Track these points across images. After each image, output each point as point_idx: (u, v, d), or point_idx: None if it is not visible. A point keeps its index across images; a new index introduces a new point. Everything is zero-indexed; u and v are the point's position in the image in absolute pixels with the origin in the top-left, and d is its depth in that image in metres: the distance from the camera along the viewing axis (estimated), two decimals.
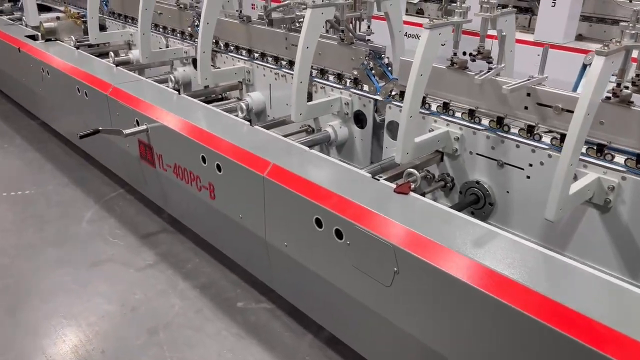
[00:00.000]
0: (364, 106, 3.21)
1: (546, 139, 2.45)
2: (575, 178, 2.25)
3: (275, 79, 3.77)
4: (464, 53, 2.68)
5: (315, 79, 3.45)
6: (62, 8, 5.69)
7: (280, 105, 3.83)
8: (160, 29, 4.77)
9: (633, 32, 2.01)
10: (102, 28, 5.46)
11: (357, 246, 2.27)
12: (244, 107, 3.62)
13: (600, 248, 2.36)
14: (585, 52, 5.28)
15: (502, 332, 1.84)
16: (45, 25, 4.98)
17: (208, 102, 4.05)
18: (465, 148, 2.73)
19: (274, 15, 3.70)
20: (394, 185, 2.42)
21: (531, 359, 1.76)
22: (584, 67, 2.73)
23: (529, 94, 2.44)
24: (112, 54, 4.57)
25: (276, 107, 3.88)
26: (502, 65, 2.60)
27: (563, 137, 2.35)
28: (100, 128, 3.51)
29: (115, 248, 3.79)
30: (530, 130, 2.47)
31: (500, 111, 2.57)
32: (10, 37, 5.24)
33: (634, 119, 2.16)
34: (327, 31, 3.79)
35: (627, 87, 2.16)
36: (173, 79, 4.26)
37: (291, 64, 3.61)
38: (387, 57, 3.23)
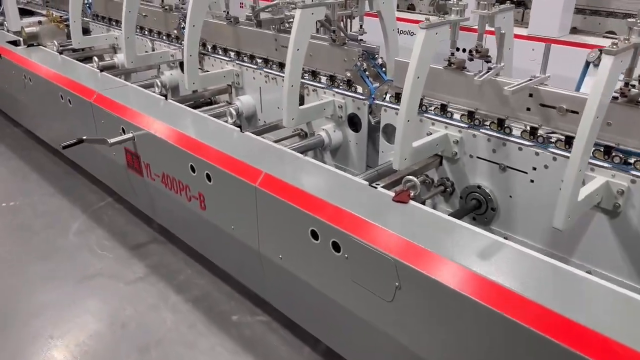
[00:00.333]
0: (358, 109, 3.09)
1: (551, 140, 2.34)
2: (583, 183, 2.14)
3: (266, 81, 3.64)
4: (458, 49, 2.56)
5: (307, 82, 3.32)
6: (44, 12, 5.52)
7: (272, 109, 3.70)
8: (146, 32, 4.62)
9: None
10: (86, 31, 5.30)
11: (356, 259, 2.16)
12: (234, 112, 3.49)
13: (610, 254, 2.26)
14: (582, 45, 5.21)
15: (511, 350, 1.74)
16: (27, 30, 4.83)
17: (197, 107, 3.93)
18: (465, 151, 2.62)
19: (263, 15, 3.57)
20: (392, 193, 2.31)
21: None
22: (587, 64, 2.62)
23: (531, 95, 2.33)
24: (96, 59, 4.42)
25: (267, 111, 3.76)
26: (502, 64, 2.49)
27: (568, 139, 2.26)
28: (84, 137, 3.37)
29: (104, 261, 3.66)
30: (533, 132, 2.36)
31: (501, 113, 2.46)
32: None
33: None
34: (317, 30, 3.66)
35: (634, 86, 2.06)
36: (159, 83, 4.12)
37: (281, 66, 3.48)
38: (381, 58, 3.11)
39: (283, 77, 3.13)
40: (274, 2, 3.45)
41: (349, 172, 3.28)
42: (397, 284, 2.01)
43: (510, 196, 2.52)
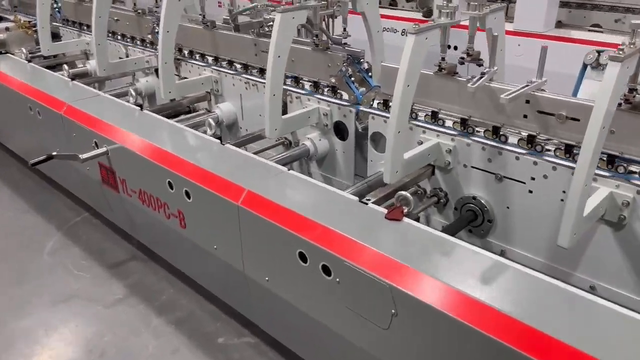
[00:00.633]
0: (345, 116, 2.94)
1: (549, 148, 2.22)
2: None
3: (246, 88, 3.46)
4: (449, 46, 2.42)
5: (290, 88, 3.16)
6: (11, 17, 5.26)
7: (253, 116, 3.53)
8: (119, 37, 4.41)
9: None
10: (56, 37, 5.06)
11: (349, 284, 2.01)
12: (213, 123, 3.30)
13: (614, 268, 2.14)
14: (569, 40, 5.11)
15: None
16: None
17: (175, 116, 3.74)
18: (458, 161, 2.49)
19: (241, 19, 3.39)
20: (384, 210, 2.16)
21: None
22: (585, 66, 2.50)
23: (528, 101, 2.20)
24: (66, 66, 4.19)
25: (249, 118, 3.59)
26: (495, 68, 2.35)
27: (568, 147, 2.13)
28: (54, 153, 3.17)
29: (81, 281, 3.46)
30: (530, 141, 2.23)
31: (496, 120, 2.33)
32: None
33: None
34: (298, 32, 3.49)
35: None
36: (134, 93, 3.91)
37: (262, 71, 3.31)
38: (367, 62, 2.96)
39: (264, 83, 2.96)
40: (252, 5, 3.28)
41: (336, 182, 3.15)
42: (393, 310, 1.87)
43: (508, 207, 2.39)
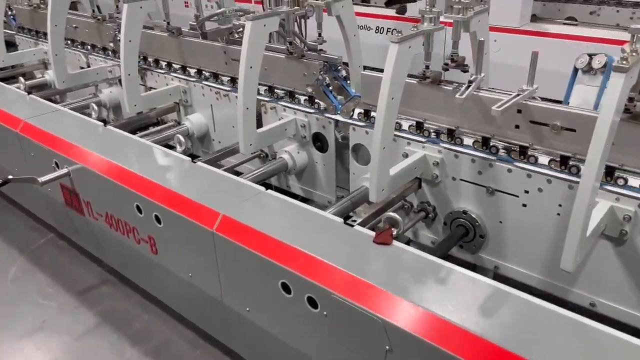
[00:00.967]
0: (324, 127, 2.77)
1: (542, 160, 2.09)
2: None
3: (217, 98, 3.27)
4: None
5: (264, 99, 2.98)
6: None
7: (226, 127, 3.34)
8: (78, 45, 4.14)
9: None
10: (12, 46, 4.76)
11: (337, 318, 1.85)
12: (182, 139, 3.09)
13: (616, 283, 2.03)
14: (545, 35, 5.04)
15: None
16: None
17: (143, 129, 3.53)
18: (446, 173, 2.35)
19: (209, 25, 3.18)
20: (371, 233, 2.01)
21: None
22: (575, 70, 2.38)
23: (520, 111, 2.07)
24: (22, 79, 3.92)
25: (221, 129, 3.39)
26: (483, 75, 2.21)
27: (564, 159, 2.01)
28: (10, 177, 2.92)
29: (47, 311, 3.22)
30: (523, 152, 2.10)
31: (486, 131, 2.19)
32: None
33: None
34: (270, 36, 3.30)
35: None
36: (96, 108, 3.66)
37: (233, 80, 3.12)
38: (345, 69, 2.79)
39: (236, 92, 2.78)
40: (220, 10, 3.07)
41: (317, 196, 2.99)
42: (387, 347, 1.72)
43: (501, 222, 2.27)
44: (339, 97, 2.77)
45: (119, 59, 3.52)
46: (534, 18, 5.43)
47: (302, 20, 4.44)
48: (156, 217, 2.44)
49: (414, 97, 2.34)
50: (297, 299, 1.95)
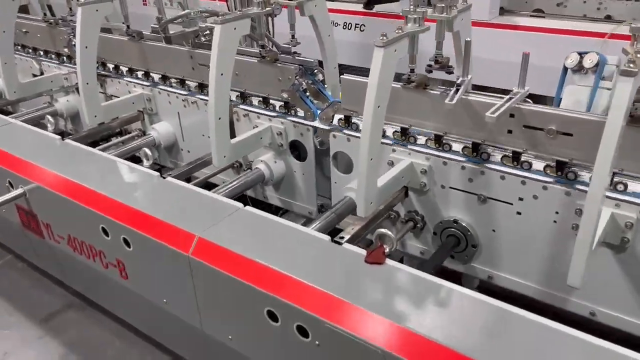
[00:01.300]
0: (302, 135, 2.62)
1: (537, 165, 1.99)
2: None
3: (184, 105, 3.06)
4: None
5: (237, 106, 2.79)
6: None
7: (195, 136, 3.14)
8: (30, 51, 3.85)
9: None
10: None
11: (331, 348, 1.71)
12: (149, 152, 2.88)
13: (617, 292, 1.95)
14: (514, 27, 4.99)
15: None
16: None
17: (105, 140, 3.29)
18: (435, 181, 2.23)
19: (172, 28, 2.97)
20: (362, 252, 1.87)
21: None
22: (565, 70, 2.29)
23: (512, 115, 1.96)
24: None
25: (190, 139, 3.19)
26: (470, 77, 2.09)
27: (560, 164, 1.91)
28: None
29: (7, 343, 2.97)
30: (516, 158, 2.00)
31: (476, 136, 2.08)
32: None
33: None
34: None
35: None
36: (52, 120, 3.39)
37: (202, 86, 2.92)
38: (321, 73, 2.64)
39: (205, 100, 2.59)
40: (184, 12, 2.87)
41: (297, 207, 2.84)
42: None
43: (494, 230, 2.16)
44: (316, 102, 2.62)
45: (75, 65, 3.28)
46: (502, 11, 5.38)
47: (270, 19, 4.26)
48: (125, 240, 2.24)
49: (399, 102, 2.20)
50: (285, 327, 1.80)
